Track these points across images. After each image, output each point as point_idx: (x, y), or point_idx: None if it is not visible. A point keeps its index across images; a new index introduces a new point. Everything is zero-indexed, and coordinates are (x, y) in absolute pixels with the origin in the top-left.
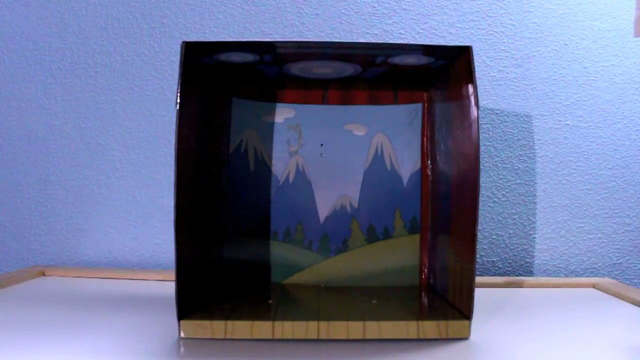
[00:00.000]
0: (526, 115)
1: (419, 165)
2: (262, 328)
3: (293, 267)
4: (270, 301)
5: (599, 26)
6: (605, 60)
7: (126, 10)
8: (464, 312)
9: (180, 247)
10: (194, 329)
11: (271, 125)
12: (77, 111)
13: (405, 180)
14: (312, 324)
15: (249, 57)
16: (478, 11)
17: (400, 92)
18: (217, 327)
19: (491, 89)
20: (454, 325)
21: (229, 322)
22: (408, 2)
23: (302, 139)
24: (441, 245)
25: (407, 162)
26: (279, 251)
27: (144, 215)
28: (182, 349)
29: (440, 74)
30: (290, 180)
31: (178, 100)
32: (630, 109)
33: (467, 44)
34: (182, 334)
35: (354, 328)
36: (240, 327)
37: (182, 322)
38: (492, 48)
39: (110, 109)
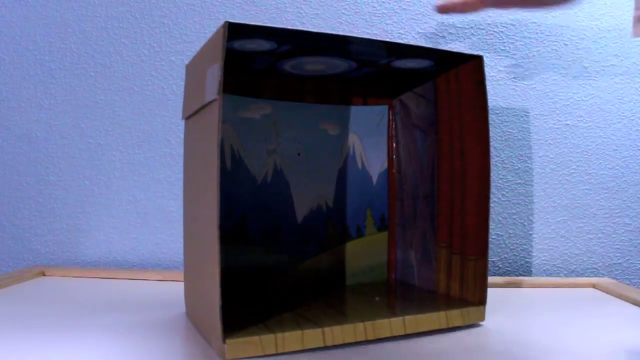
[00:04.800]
0: (526, 115)
1: (386, 165)
2: (312, 337)
3: (273, 270)
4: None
5: (599, 26)
6: (605, 60)
7: (126, 10)
8: (470, 299)
9: None
10: (243, 348)
11: (248, 121)
12: (77, 111)
13: (374, 179)
14: (359, 326)
15: (265, 45)
16: None
17: (370, 95)
18: (266, 342)
19: (491, 89)
20: (474, 312)
21: (279, 335)
22: (408, 2)
23: (280, 137)
24: (418, 241)
25: (375, 162)
26: (257, 255)
27: (144, 215)
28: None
29: (439, 75)
30: (269, 180)
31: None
32: (630, 109)
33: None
34: (228, 356)
35: (396, 325)
36: (291, 339)
37: (228, 341)
38: (492, 48)
39: (110, 109)
